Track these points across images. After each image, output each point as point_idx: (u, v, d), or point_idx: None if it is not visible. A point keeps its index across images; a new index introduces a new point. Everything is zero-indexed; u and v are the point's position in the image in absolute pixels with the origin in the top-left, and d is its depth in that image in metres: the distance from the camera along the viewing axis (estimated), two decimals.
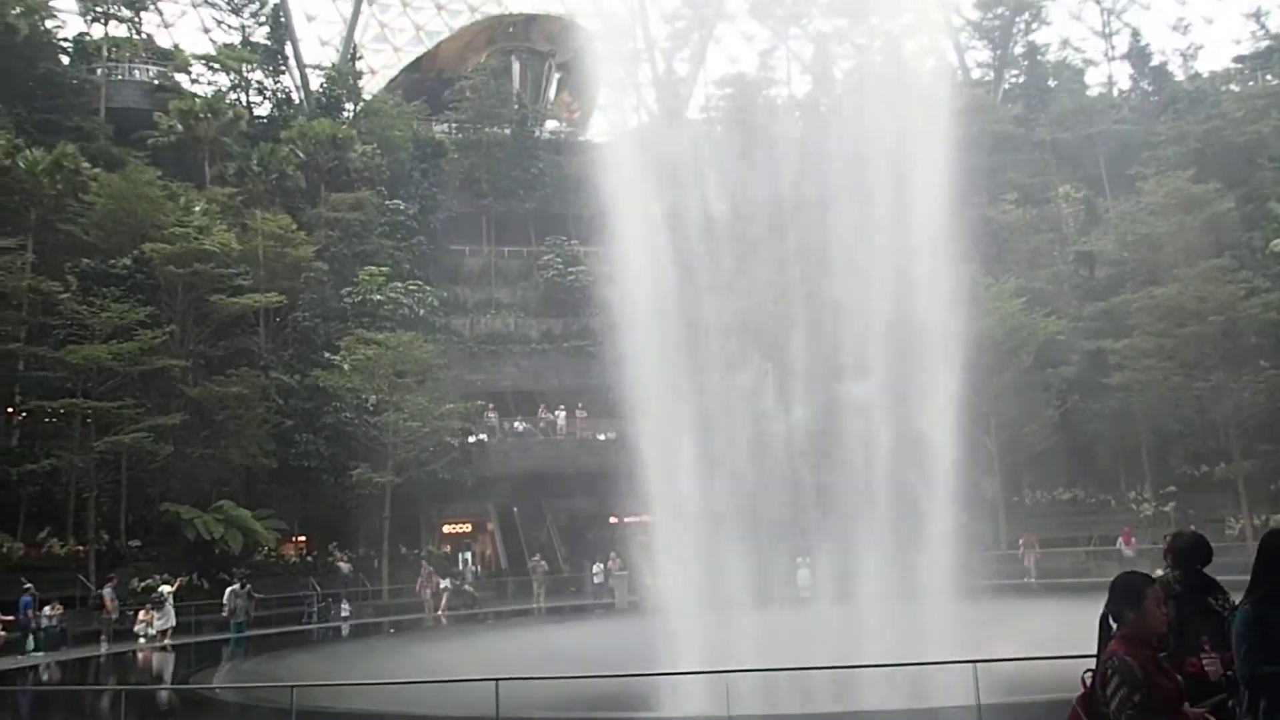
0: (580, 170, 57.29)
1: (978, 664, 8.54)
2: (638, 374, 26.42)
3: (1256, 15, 65.96)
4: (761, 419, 32.39)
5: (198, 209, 39.71)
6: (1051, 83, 64.21)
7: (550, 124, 62.78)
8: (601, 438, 48.00)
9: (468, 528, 49.62)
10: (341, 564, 39.52)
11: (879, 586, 28.45)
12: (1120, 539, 37.03)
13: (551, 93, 65.31)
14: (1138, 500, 41.40)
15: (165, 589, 29.56)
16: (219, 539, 35.60)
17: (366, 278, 43.36)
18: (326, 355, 40.60)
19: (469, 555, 46.27)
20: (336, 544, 41.53)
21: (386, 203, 48.16)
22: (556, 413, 48.09)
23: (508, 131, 55.72)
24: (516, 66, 62.21)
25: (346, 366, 39.60)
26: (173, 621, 28.80)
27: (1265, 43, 64.22)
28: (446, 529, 48.56)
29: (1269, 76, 57.81)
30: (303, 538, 42.74)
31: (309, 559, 40.93)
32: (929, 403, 26.78)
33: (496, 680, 8.91)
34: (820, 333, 31.14)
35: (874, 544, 31.29)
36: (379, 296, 43.16)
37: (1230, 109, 51.05)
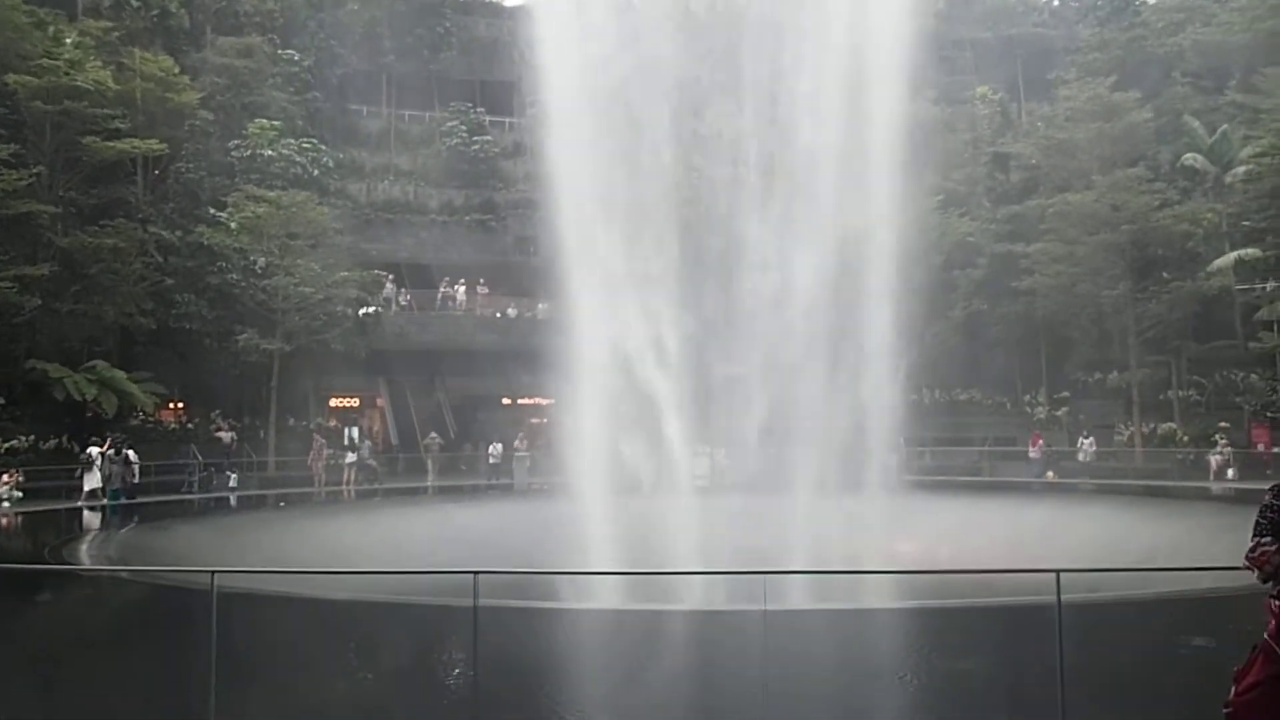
0: (491, 33, 54.63)
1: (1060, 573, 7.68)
2: (557, 251, 25.14)
3: None
4: (674, 305, 31.28)
5: (69, 41, 35.98)
6: None
7: None
8: (499, 315, 46.56)
9: (356, 402, 47.98)
10: (223, 433, 37.56)
11: (773, 478, 28.24)
12: (1030, 442, 37.59)
13: None
14: (1033, 404, 42.09)
15: (94, 450, 27.67)
16: (91, 400, 33.30)
17: (257, 131, 40.30)
18: (212, 212, 37.89)
19: (356, 430, 44.72)
20: (219, 412, 39.50)
21: (280, 52, 44.68)
22: (456, 287, 46.23)
23: None
24: None
25: (234, 225, 37.03)
26: (98, 483, 27.16)
27: None
28: (334, 403, 46.87)
29: None
30: (182, 404, 40.53)
31: (189, 426, 38.81)
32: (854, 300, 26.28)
33: (475, 573, 7.76)
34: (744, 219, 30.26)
35: (769, 437, 31.04)
36: (270, 152, 40.23)
37: (1152, 19, 50.93)
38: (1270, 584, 5.81)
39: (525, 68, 51.05)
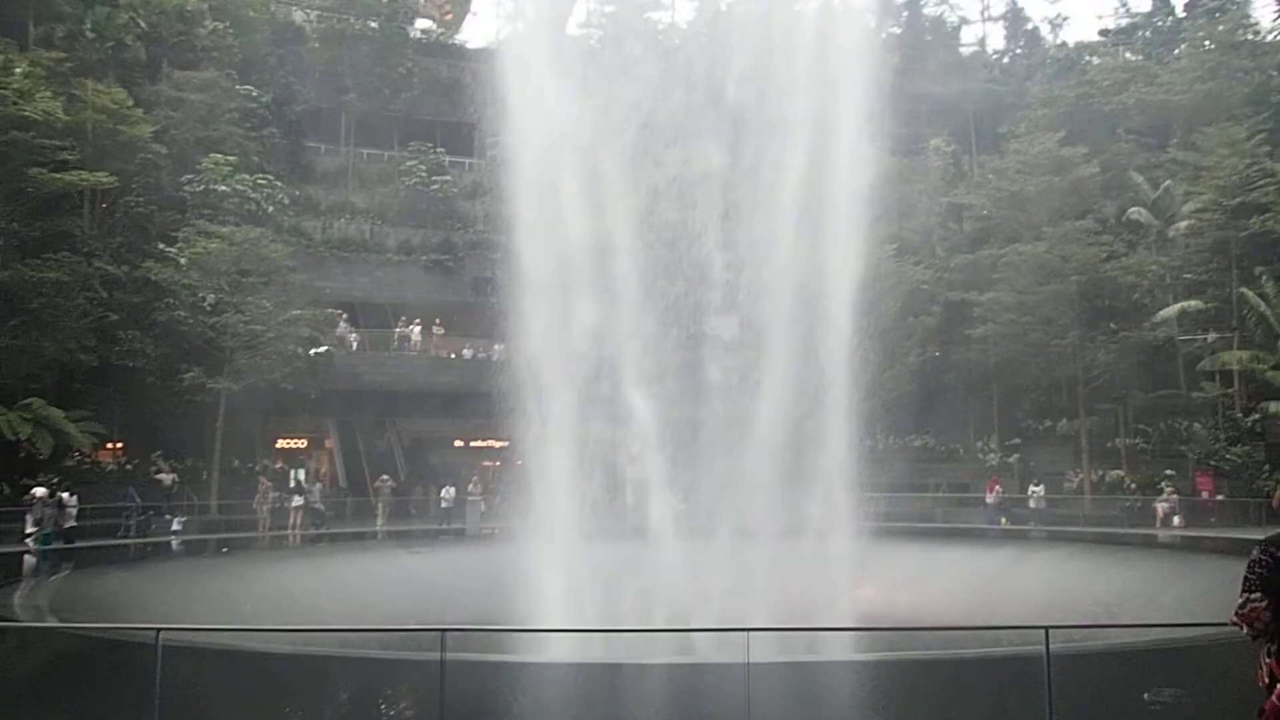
0: (452, 75, 54.63)
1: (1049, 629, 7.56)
2: (516, 292, 24.96)
3: None
4: (632, 348, 31.19)
5: (19, 71, 35.33)
6: (928, 37, 64.60)
7: (421, 22, 59.22)
8: (453, 356, 46.11)
9: (303, 444, 47.11)
10: (164, 475, 36.56)
11: (730, 523, 28.05)
12: (987, 488, 37.81)
13: None
14: (984, 450, 42.42)
15: (39, 490, 26.89)
16: (25, 440, 32.27)
17: (211, 166, 39.72)
18: (161, 247, 37.11)
19: (302, 473, 43.88)
20: (160, 453, 38.41)
21: (238, 87, 44.23)
22: (412, 327, 45.74)
23: (375, 25, 52.05)
24: None
25: (183, 260, 36.32)
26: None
27: (1127, 20, 66.47)
28: (281, 444, 45.97)
29: (1128, 54, 59.63)
30: (121, 444, 39.45)
31: (128, 468, 37.71)
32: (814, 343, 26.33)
33: (443, 630, 7.43)
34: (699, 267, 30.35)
35: (730, 482, 30.87)
36: (224, 187, 39.65)
37: (1098, 78, 52.31)
38: (1260, 640, 5.71)
39: (486, 109, 51.37)
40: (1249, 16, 58.89)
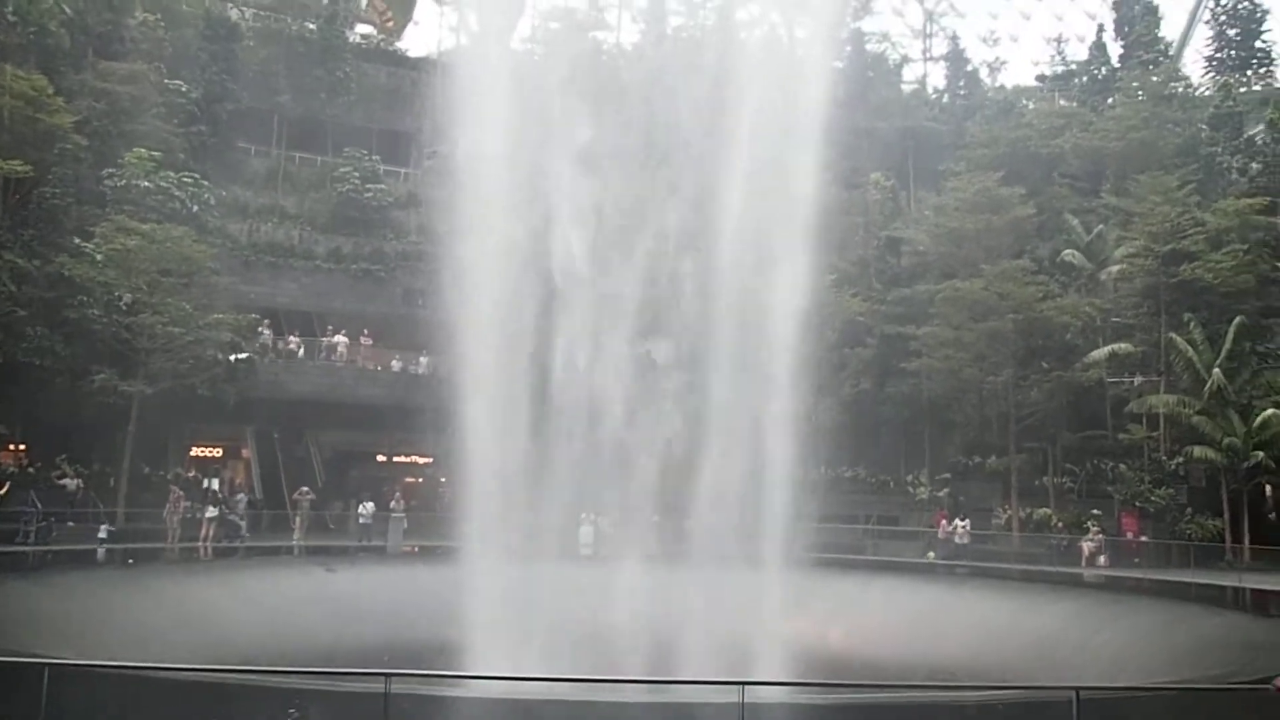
0: (392, 82, 53.61)
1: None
2: (450, 306, 24.18)
3: (1058, 41, 69.82)
4: (567, 371, 30.54)
5: None
6: (870, 73, 65.23)
7: (362, 28, 58.06)
8: (379, 368, 44.90)
9: (219, 452, 45.43)
10: (67, 480, 34.79)
11: (660, 549, 27.47)
12: (934, 521, 38.05)
13: None
14: (915, 484, 42.36)
15: None
16: None
17: (134, 160, 38.17)
18: (77, 241, 35.50)
19: (215, 482, 42.26)
20: (65, 457, 36.52)
21: (167, 82, 42.69)
22: (338, 337, 44.42)
23: (314, 27, 50.86)
24: None
25: (100, 257, 34.74)
26: None
27: (1062, 68, 67.99)
28: (195, 452, 44.27)
29: (1062, 101, 60.81)
30: (24, 446, 37.46)
31: (30, 471, 35.77)
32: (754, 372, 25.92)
33: (387, 675, 6.63)
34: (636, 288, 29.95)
35: (658, 507, 30.31)
36: (146, 183, 38.12)
37: (1036, 121, 53.15)
38: None
39: (426, 119, 50.39)
40: (1180, 70, 60.67)
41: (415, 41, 64.20)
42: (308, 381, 42.96)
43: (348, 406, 42.77)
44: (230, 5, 50.92)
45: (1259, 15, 63.06)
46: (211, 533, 32.65)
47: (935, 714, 10.49)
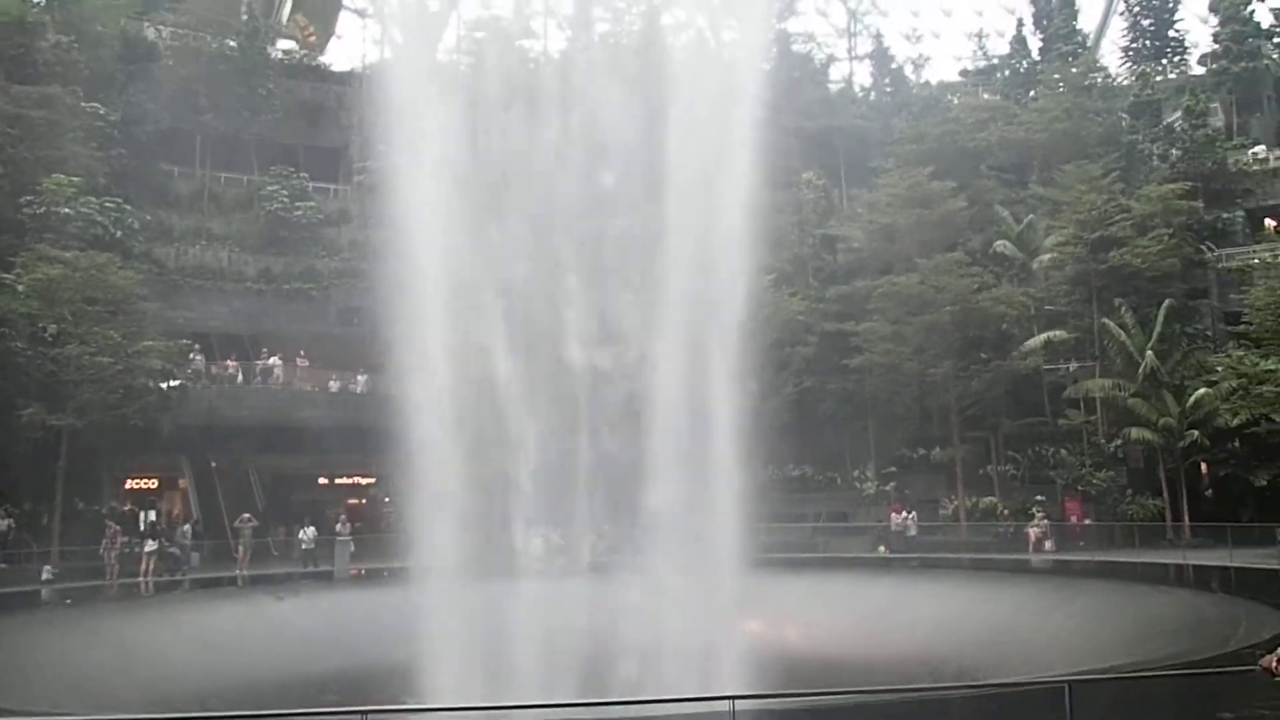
0: (316, 97, 52.74)
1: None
2: (388, 323, 23.75)
3: (978, 36, 71.08)
4: (511, 380, 30.21)
5: None
6: (796, 74, 65.70)
7: (284, 44, 57.05)
8: (316, 389, 44.07)
9: (154, 484, 44.19)
10: None
11: (611, 559, 27.27)
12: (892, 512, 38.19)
13: (285, 10, 59.45)
14: (861, 479, 42.68)
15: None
16: None
17: (53, 186, 36.99)
18: None
19: (153, 514, 41.16)
20: None
21: (83, 105, 41.48)
22: (274, 360, 43.50)
23: (234, 44, 49.81)
24: None
25: (21, 288, 33.56)
26: None
27: (984, 62, 69.18)
28: (130, 484, 43.00)
29: (986, 95, 61.81)
30: None
31: None
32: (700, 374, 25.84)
33: (364, 711, 6.35)
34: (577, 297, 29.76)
35: (609, 516, 30.06)
36: (67, 210, 36.98)
37: (962, 116, 53.94)
38: None
39: (354, 134, 49.68)
40: (1098, 61, 62.01)
41: (339, 56, 63.37)
42: (244, 406, 41.98)
43: (286, 430, 41.87)
44: (147, 24, 49.64)
45: (1171, 5, 64.78)
46: (152, 567, 31.73)
47: (922, 713, 10.43)
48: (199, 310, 43.64)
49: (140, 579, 30.84)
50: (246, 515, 37.33)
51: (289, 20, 59.38)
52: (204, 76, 47.98)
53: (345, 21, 66.21)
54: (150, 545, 32.28)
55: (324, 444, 42.55)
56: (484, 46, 56.93)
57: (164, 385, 38.04)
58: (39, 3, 45.10)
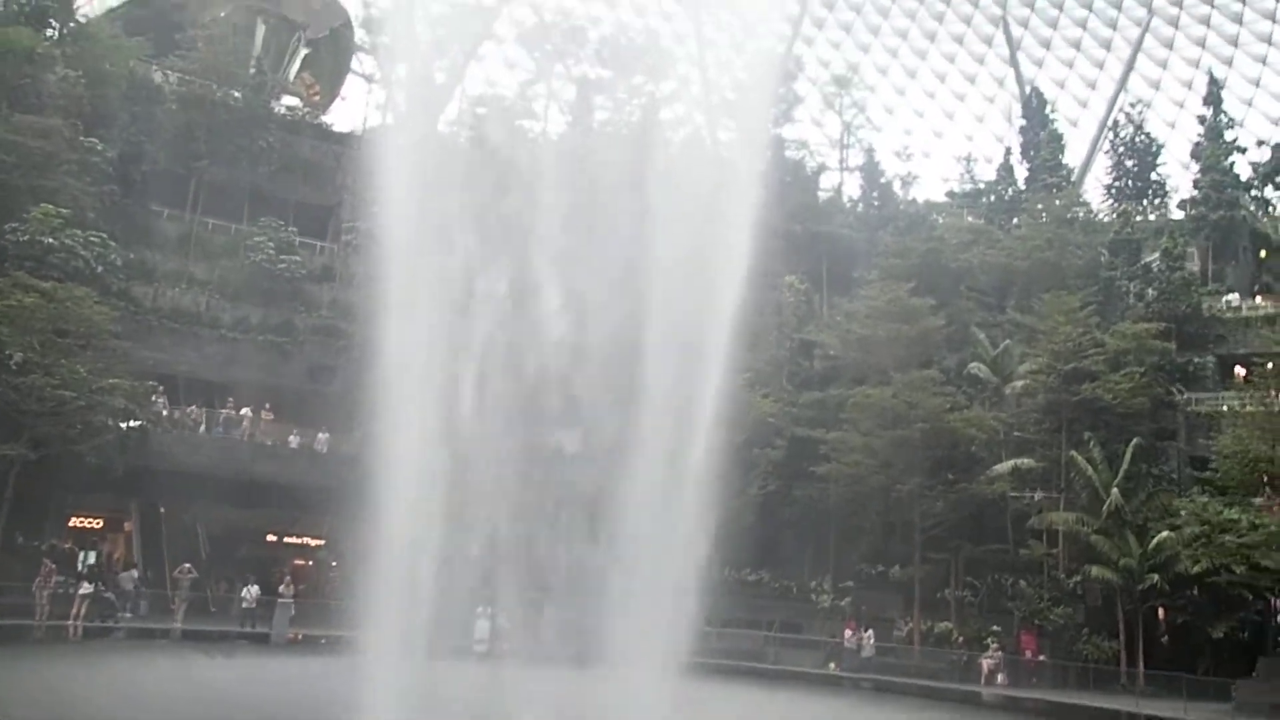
0: (314, 155, 53.08)
1: None
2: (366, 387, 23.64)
3: (967, 160, 72.64)
4: (476, 458, 29.94)
5: None
6: (788, 178, 66.82)
7: (288, 100, 57.63)
8: (275, 444, 43.48)
9: (99, 524, 43.18)
10: None
11: (559, 650, 26.73)
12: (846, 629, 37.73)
13: (294, 68, 60.16)
14: (818, 591, 42.23)
15: None
16: None
17: (41, 216, 36.86)
18: None
19: (93, 555, 40.18)
20: None
21: (82, 139, 41.55)
22: (244, 412, 42.98)
23: (239, 95, 50.26)
24: (262, 30, 56.77)
25: None
26: None
27: (971, 186, 70.64)
28: (75, 522, 41.99)
29: (970, 218, 63.00)
30: None
31: None
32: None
33: None
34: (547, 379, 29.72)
35: (561, 603, 29.59)
36: (51, 240, 36.78)
37: (947, 235, 54.84)
38: None
39: (347, 193, 49.92)
40: (1081, 196, 63.48)
41: (341, 116, 63.91)
42: (202, 454, 41.25)
43: (241, 482, 41.13)
44: (156, 68, 50.08)
45: (1154, 149, 66.71)
46: (84, 611, 30.73)
47: None
48: (169, 352, 43.17)
49: (70, 622, 29.85)
50: (187, 566, 36.44)
51: (296, 77, 60.04)
52: (205, 123, 48.32)
53: (351, 84, 66.98)
54: (85, 588, 31.32)
55: (277, 500, 41.93)
56: (485, 122, 57.87)
57: (124, 425, 37.48)
58: (52, 36, 45.50)
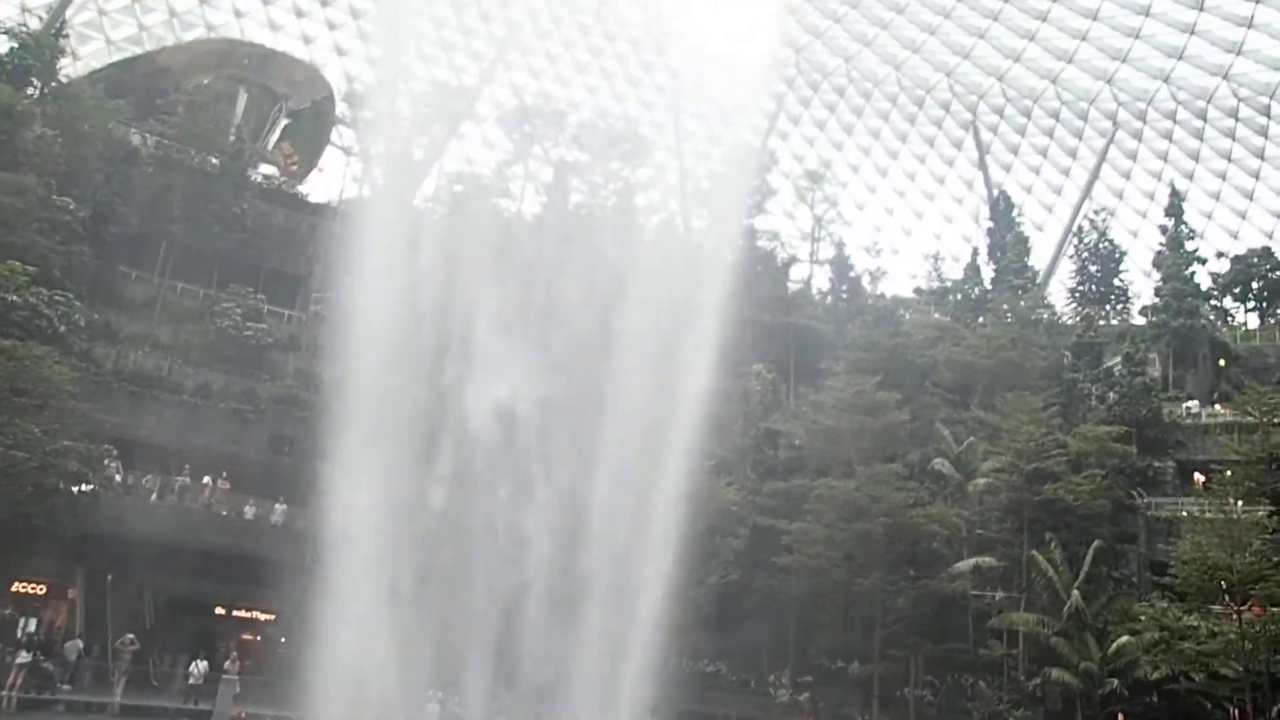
0: (288, 224, 53.17)
1: None
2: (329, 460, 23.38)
3: (935, 258, 74.00)
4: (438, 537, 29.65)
5: None
6: (759, 268, 67.61)
7: (265, 168, 57.91)
8: (230, 514, 42.65)
9: (43, 590, 41.86)
10: None
11: None
12: None
13: (274, 137, 60.58)
14: (776, 685, 41.60)
15: None
16: None
17: (6, 273, 36.54)
18: None
19: (34, 622, 38.83)
20: None
21: (55, 197, 41.41)
22: (205, 480, 42.26)
23: (216, 161, 50.43)
24: (243, 99, 57.23)
25: None
26: None
27: (938, 283, 71.83)
28: (17, 587, 40.68)
29: (937, 315, 63.93)
30: None
31: None
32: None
33: None
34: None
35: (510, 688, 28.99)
36: (15, 298, 36.40)
37: (913, 331, 55.49)
38: None
39: (318, 263, 49.95)
40: (1046, 298, 64.63)
41: (317, 187, 64.27)
42: (154, 522, 40.25)
43: (192, 552, 40.17)
44: (135, 131, 50.28)
45: (1117, 255, 68.37)
46: (20, 681, 29.65)
47: None
48: (127, 416, 42.47)
49: (4, 692, 28.77)
50: (130, 637, 35.28)
51: (275, 147, 60.46)
52: (180, 188, 48.42)
53: (330, 156, 67.49)
54: (24, 657, 30.29)
55: (229, 572, 40.94)
56: (461, 200, 58.43)
57: (75, 489, 36.67)
58: (33, 95, 45.65)
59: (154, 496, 41.43)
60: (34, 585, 41.06)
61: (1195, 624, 33.48)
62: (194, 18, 63.28)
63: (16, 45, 47.44)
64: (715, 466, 43.67)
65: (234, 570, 40.33)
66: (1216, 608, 35.15)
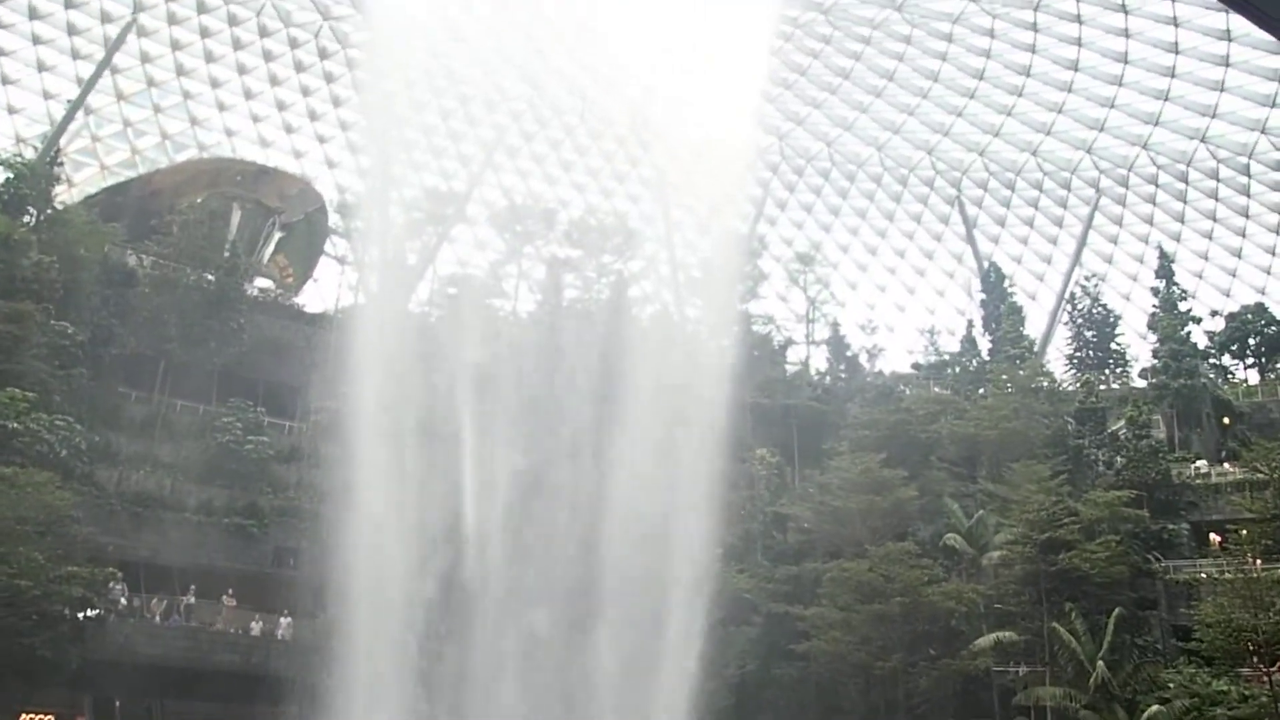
0: (285, 335, 53.46)
1: None
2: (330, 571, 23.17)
3: (930, 332, 74.22)
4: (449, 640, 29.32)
5: None
6: (756, 353, 67.80)
7: (261, 282, 58.45)
8: (236, 631, 42.01)
9: (50, 719, 41.03)
10: None
11: None
12: None
13: (268, 251, 61.26)
14: None
15: None
16: None
17: (5, 401, 36.60)
18: None
19: None
20: None
21: (53, 323, 41.71)
22: (225, 598, 41.77)
23: (211, 278, 50.91)
24: (237, 215, 58.02)
25: None
26: None
27: (935, 357, 71.90)
28: (25, 718, 39.86)
29: (937, 388, 63.90)
30: None
31: None
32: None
33: None
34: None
35: None
36: (16, 425, 36.40)
37: (914, 406, 55.38)
38: None
39: (316, 373, 50.08)
40: (1044, 366, 64.64)
41: (313, 297, 64.80)
42: (161, 645, 39.78)
43: (202, 674, 39.56)
44: (130, 252, 50.87)
45: (1112, 320, 68.58)
46: None
47: None
48: (131, 538, 42.20)
49: None
50: None
51: (270, 260, 61.11)
52: (177, 306, 48.75)
53: (324, 265, 68.17)
54: None
55: (238, 692, 40.18)
56: (456, 302, 58.92)
57: (80, 614, 36.21)
58: (29, 222, 46.29)
59: (158, 618, 40.82)
60: (41, 715, 40.24)
61: (1225, 689, 32.78)
62: (186, 139, 64.46)
63: (12, 175, 48.26)
64: (725, 554, 43.24)
65: (244, 689, 39.62)
66: (1245, 670, 34.46)
